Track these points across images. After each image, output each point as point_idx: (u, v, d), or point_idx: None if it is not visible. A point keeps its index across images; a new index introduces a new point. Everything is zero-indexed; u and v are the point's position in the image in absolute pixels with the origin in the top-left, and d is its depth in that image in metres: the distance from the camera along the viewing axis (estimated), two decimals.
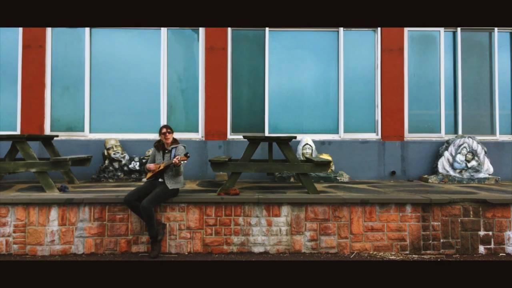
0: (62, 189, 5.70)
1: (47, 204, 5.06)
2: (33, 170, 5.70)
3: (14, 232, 5.02)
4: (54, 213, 5.06)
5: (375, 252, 5.14)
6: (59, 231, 5.06)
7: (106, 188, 6.07)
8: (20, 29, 7.60)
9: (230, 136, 7.80)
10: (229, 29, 7.83)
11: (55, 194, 5.44)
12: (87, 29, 7.73)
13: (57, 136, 6.97)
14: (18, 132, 7.56)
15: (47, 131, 7.66)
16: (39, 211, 5.05)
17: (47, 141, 6.57)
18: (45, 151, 6.80)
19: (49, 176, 5.74)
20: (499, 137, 7.94)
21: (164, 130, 5.16)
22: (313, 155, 7.37)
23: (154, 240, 4.89)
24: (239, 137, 7.68)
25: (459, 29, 7.94)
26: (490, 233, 5.21)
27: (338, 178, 7.28)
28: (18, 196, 5.16)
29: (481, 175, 7.38)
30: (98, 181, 7.07)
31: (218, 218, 5.15)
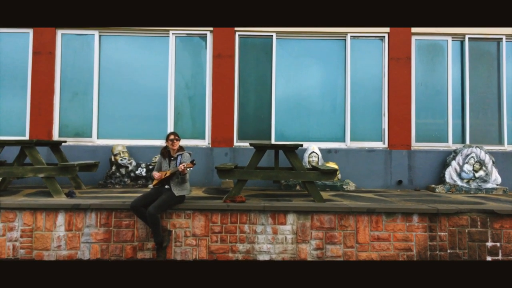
0: (70, 195, 5.74)
1: (54, 209, 5.10)
2: (41, 175, 5.75)
3: (21, 237, 5.05)
4: (61, 218, 5.09)
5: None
6: (65, 237, 5.08)
7: (113, 194, 6.10)
8: (31, 36, 7.70)
9: (236, 143, 7.81)
10: (237, 36, 7.87)
11: (62, 199, 5.48)
12: (96, 36, 7.82)
13: (65, 141, 7.02)
14: (27, 137, 7.64)
15: (56, 136, 7.73)
16: (46, 216, 5.08)
17: (55, 146, 6.63)
18: (53, 156, 6.85)
19: (56, 182, 5.79)
20: (507, 147, 7.88)
21: (172, 136, 5.19)
22: (319, 163, 7.35)
23: (159, 246, 4.90)
24: (246, 144, 7.69)
25: (467, 38, 7.92)
26: (498, 244, 5.16)
27: (344, 186, 7.25)
28: (26, 201, 5.20)
29: (489, 185, 7.32)
30: (105, 187, 7.11)
31: (224, 225, 5.15)
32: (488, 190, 7.25)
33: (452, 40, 8.01)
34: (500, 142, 7.94)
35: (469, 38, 7.95)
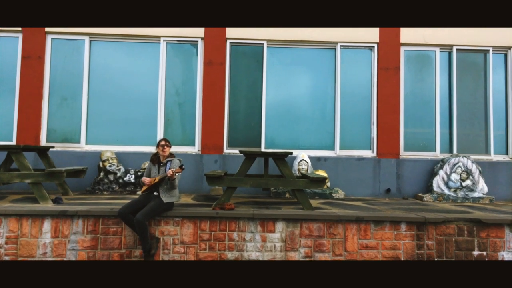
0: (57, 201, 5.67)
1: (40, 216, 5.02)
2: (28, 181, 5.67)
3: (6, 243, 4.96)
4: (47, 225, 5.02)
5: None
6: (51, 244, 5.01)
7: (101, 201, 6.04)
8: (20, 40, 7.64)
9: (226, 150, 7.80)
10: (228, 44, 7.90)
11: (48, 206, 5.40)
12: (86, 41, 7.78)
13: (53, 147, 6.95)
14: (14, 142, 7.54)
15: (43, 142, 7.64)
16: (32, 223, 5.01)
17: (43, 152, 6.55)
18: (41, 162, 6.77)
19: (43, 188, 5.71)
20: (493, 156, 7.99)
21: (163, 142, 5.17)
22: (309, 171, 7.38)
23: (147, 254, 4.85)
24: (235, 151, 7.69)
25: (454, 49, 8.06)
26: (484, 253, 5.21)
27: (333, 194, 7.28)
28: (12, 207, 5.12)
29: (476, 195, 7.40)
30: (92, 193, 7.03)
31: (213, 233, 5.13)
32: (475, 199, 7.33)
33: (440, 51, 8.13)
34: (487, 152, 8.05)
35: (456, 49, 8.08)
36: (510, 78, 8.12)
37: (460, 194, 7.42)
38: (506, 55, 8.19)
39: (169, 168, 5.01)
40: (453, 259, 5.17)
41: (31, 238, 5.00)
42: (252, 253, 5.12)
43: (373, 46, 8.02)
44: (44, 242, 5.01)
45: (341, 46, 7.99)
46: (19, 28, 7.57)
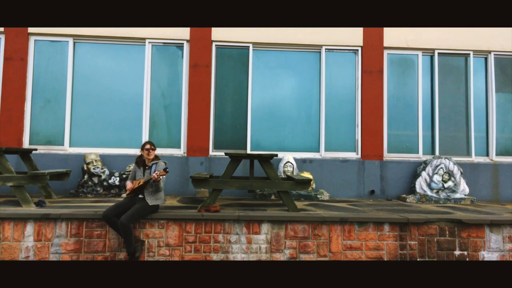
0: (40, 204, 5.60)
1: (23, 219, 4.96)
2: (10, 184, 5.59)
3: None
4: (29, 228, 4.96)
5: None
6: (34, 247, 4.95)
7: (85, 204, 5.98)
8: (2, 41, 7.54)
9: (212, 152, 7.81)
10: (214, 47, 7.92)
11: (31, 209, 5.33)
12: (70, 43, 7.71)
13: (35, 149, 6.86)
14: None
15: (26, 144, 7.54)
16: (14, 226, 4.94)
17: (26, 154, 6.47)
18: (23, 164, 6.68)
19: (26, 191, 5.63)
20: (474, 158, 8.16)
21: (148, 146, 5.15)
22: (294, 173, 7.43)
23: (131, 257, 4.83)
24: (221, 154, 7.70)
25: (436, 53, 8.21)
26: (465, 252, 5.32)
27: (318, 196, 7.34)
28: None
29: (457, 196, 7.55)
30: (76, 196, 6.97)
31: (198, 235, 5.13)
32: (457, 200, 7.47)
33: (422, 55, 8.28)
34: (468, 154, 8.22)
35: (438, 53, 8.24)
36: (490, 81, 8.31)
37: (442, 195, 7.56)
38: (486, 59, 8.38)
39: (154, 171, 5.00)
40: (435, 259, 5.26)
41: (13, 241, 4.93)
42: (238, 255, 5.14)
43: (357, 50, 8.12)
44: (26, 245, 4.94)
45: (325, 49, 8.07)
46: (2, 29, 7.47)
